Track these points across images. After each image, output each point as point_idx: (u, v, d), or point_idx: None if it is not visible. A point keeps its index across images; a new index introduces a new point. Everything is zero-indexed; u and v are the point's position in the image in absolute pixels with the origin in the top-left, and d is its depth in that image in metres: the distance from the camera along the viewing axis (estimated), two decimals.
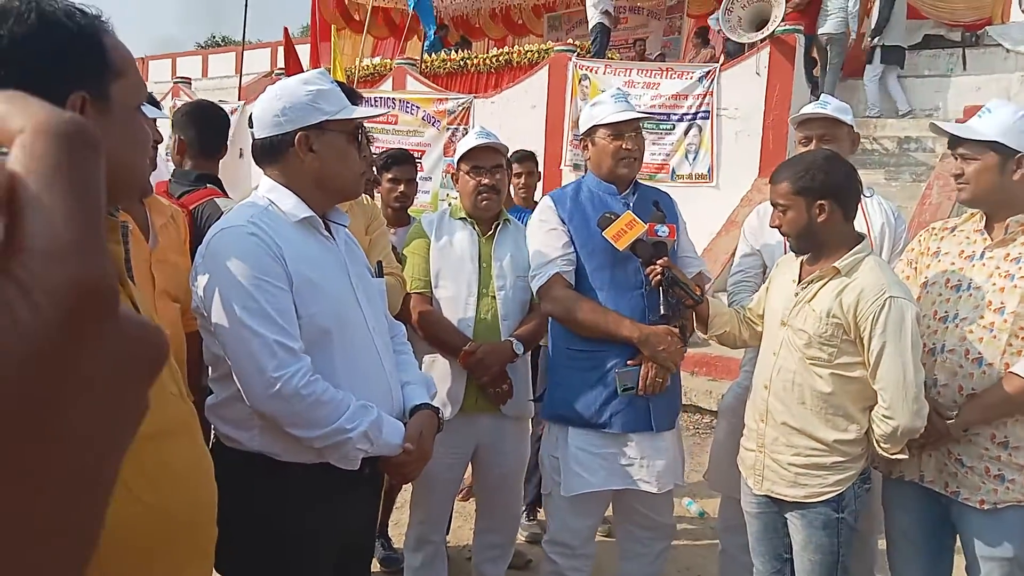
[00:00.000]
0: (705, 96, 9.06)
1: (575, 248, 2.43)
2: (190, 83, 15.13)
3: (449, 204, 2.85)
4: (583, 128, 2.55)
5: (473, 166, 2.66)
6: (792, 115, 2.68)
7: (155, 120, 2.38)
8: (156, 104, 2.50)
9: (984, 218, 2.19)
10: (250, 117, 1.81)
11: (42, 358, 0.26)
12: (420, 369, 2.18)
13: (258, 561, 1.68)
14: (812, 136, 2.57)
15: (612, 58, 10.80)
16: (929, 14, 9.62)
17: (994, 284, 2.08)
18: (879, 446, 2.07)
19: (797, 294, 2.17)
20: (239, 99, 12.56)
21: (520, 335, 2.61)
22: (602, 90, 6.64)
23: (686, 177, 9.18)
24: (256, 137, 1.75)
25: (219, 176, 2.83)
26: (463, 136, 2.83)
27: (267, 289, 1.58)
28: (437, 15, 13.39)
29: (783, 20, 8.69)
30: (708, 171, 9.13)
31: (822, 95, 2.79)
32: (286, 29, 13.06)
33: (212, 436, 1.81)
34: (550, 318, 2.54)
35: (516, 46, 12.88)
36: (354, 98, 1.85)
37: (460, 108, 10.49)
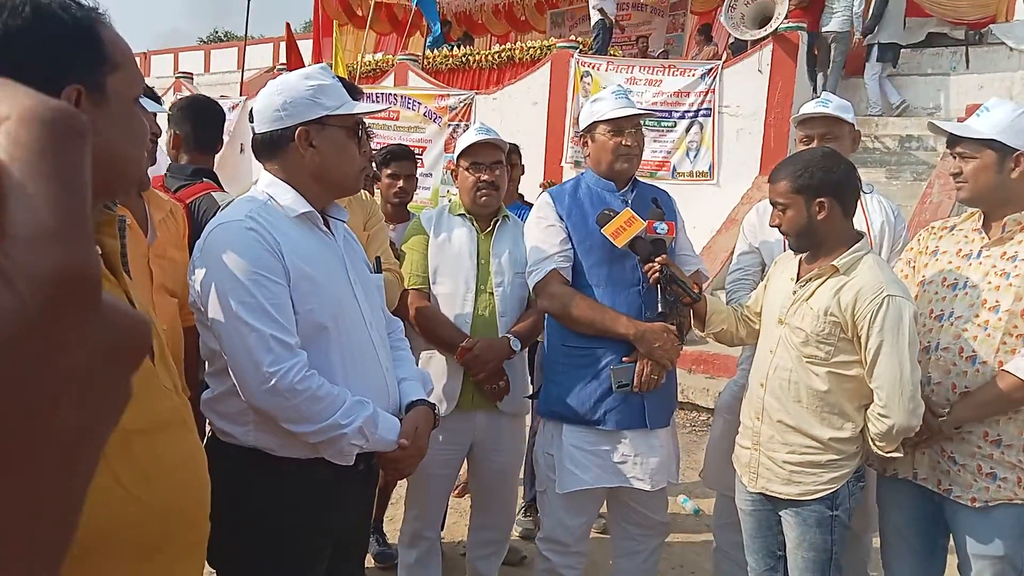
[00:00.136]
0: (707, 93, 9.05)
1: (572, 244, 2.43)
2: (192, 78, 15.14)
3: (449, 200, 2.85)
4: (583, 124, 2.55)
5: (472, 162, 2.66)
6: (794, 113, 2.68)
7: (155, 115, 2.38)
8: (156, 99, 2.50)
9: (982, 217, 2.19)
10: (250, 112, 1.81)
11: (23, 345, 0.27)
12: (417, 365, 2.19)
13: (252, 556, 1.68)
14: (814, 135, 2.57)
15: (614, 55, 10.79)
16: (933, 12, 9.61)
17: (990, 283, 2.08)
18: (874, 444, 2.07)
19: (795, 292, 2.17)
20: (241, 94, 12.57)
21: (517, 332, 2.61)
22: (604, 87, 6.64)
23: (687, 175, 9.17)
24: (256, 132, 1.75)
25: (216, 171, 2.84)
26: (464, 132, 2.83)
27: (264, 284, 1.58)
28: (440, 11, 13.38)
29: (786, 17, 8.67)
30: (709, 169, 9.13)
31: (823, 93, 2.79)
32: (288, 24, 13.06)
33: (208, 431, 1.81)
34: (547, 315, 2.54)
35: (519, 42, 12.86)
36: (354, 94, 1.85)
37: (462, 104, 10.49)
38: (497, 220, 2.71)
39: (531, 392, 2.77)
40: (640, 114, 2.48)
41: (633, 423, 2.38)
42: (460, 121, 10.24)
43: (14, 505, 0.28)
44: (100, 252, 1.07)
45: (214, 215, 2.43)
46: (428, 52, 12.76)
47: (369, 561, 3.26)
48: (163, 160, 2.86)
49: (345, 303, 1.74)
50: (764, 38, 8.87)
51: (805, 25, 8.83)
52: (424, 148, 10.37)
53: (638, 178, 2.58)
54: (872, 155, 8.85)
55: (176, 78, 14.65)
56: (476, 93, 10.77)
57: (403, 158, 3.28)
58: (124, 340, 0.31)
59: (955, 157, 2.17)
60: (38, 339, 0.27)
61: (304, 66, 1.98)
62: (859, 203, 2.28)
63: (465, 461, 2.81)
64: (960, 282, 2.15)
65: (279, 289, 1.60)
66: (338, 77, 1.83)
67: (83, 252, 0.28)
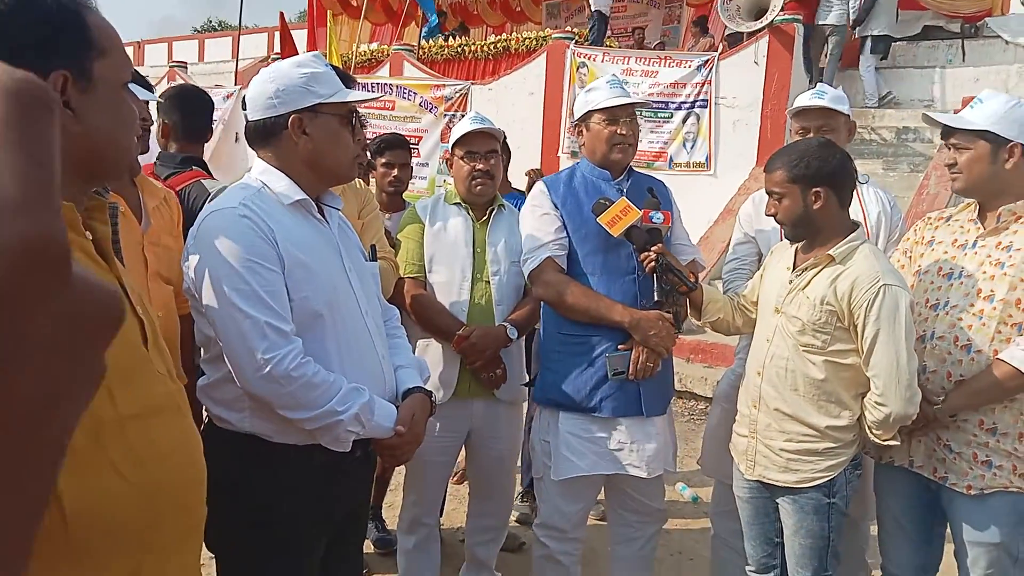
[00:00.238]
0: (703, 85, 9.04)
1: (567, 233, 2.43)
2: (186, 67, 15.05)
3: (445, 190, 2.84)
4: (578, 113, 2.54)
5: (467, 151, 2.65)
6: (790, 104, 2.67)
7: (147, 102, 2.37)
8: (149, 87, 2.49)
9: (978, 207, 2.19)
10: (243, 99, 1.80)
11: None
12: (414, 354, 2.18)
13: (250, 542, 1.68)
14: (809, 127, 2.56)
15: (610, 46, 10.76)
16: (929, 5, 9.60)
17: (985, 272, 2.09)
18: (871, 432, 2.08)
19: (791, 281, 2.17)
20: (235, 84, 12.50)
21: (514, 320, 2.61)
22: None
23: (684, 166, 9.17)
24: (249, 119, 1.74)
25: (211, 160, 2.84)
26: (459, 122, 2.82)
27: (258, 271, 1.57)
28: (436, 1, 13.33)
29: (782, 9, 8.66)
30: (706, 160, 9.13)
31: (819, 84, 2.78)
32: (281, 14, 13.02)
33: (205, 417, 1.80)
34: (542, 303, 2.54)
35: (514, 33, 12.81)
36: (348, 81, 1.84)
37: (457, 95, 10.46)
38: (493, 209, 2.71)
39: (527, 380, 2.77)
40: (635, 103, 2.48)
41: (629, 410, 2.38)
42: (456, 111, 10.21)
43: None
44: (92, 238, 1.06)
45: (204, 202, 2.44)
46: (424, 42, 12.71)
47: (369, 547, 3.28)
48: (155, 148, 2.86)
49: (340, 290, 1.73)
50: (760, 30, 8.86)
51: (801, 17, 8.83)
52: (420, 138, 10.34)
53: (634, 168, 2.58)
54: (869, 147, 8.86)
55: (170, 67, 14.58)
56: (472, 83, 10.73)
57: (397, 147, 3.27)
58: (94, 312, 0.30)
59: (949, 148, 2.17)
60: (2, 309, 0.26)
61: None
62: (855, 193, 2.28)
63: (463, 448, 2.81)
64: (956, 272, 2.15)
65: (273, 276, 1.59)
66: (331, 65, 1.82)
67: (49, 223, 0.27)
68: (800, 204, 2.11)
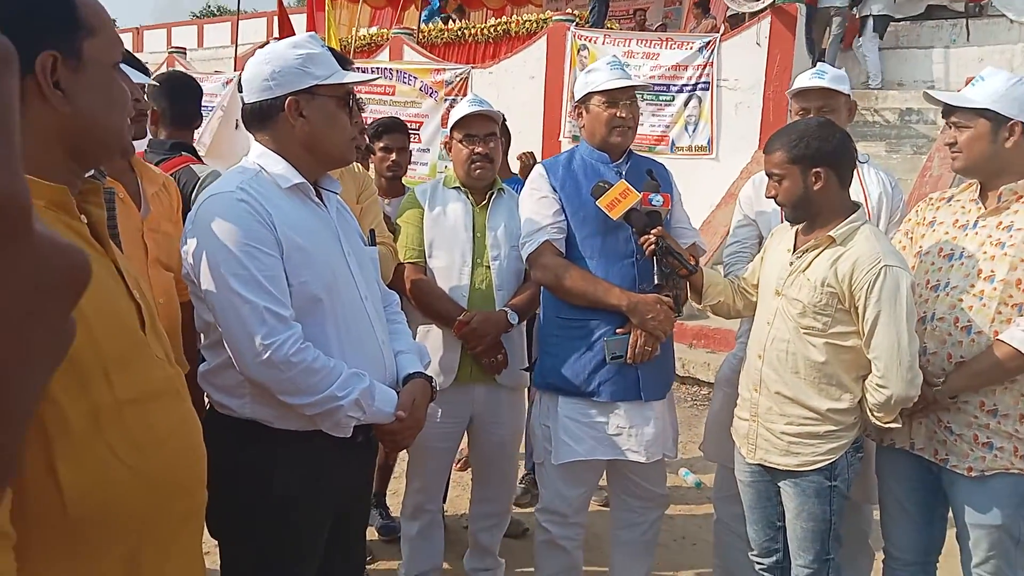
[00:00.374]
0: (705, 67, 8.98)
1: (566, 216, 2.42)
2: (185, 53, 14.99)
3: (444, 175, 2.83)
4: (578, 95, 2.52)
5: (466, 134, 2.63)
6: (792, 86, 2.65)
7: (143, 86, 2.36)
8: (145, 71, 2.48)
9: (979, 187, 2.18)
10: (238, 80, 1.79)
11: None
12: (414, 339, 2.18)
13: (253, 528, 1.68)
14: (810, 108, 2.54)
15: (611, 28, 10.68)
16: None
17: (985, 252, 2.07)
18: (872, 415, 2.07)
19: (792, 263, 2.16)
20: (235, 69, 12.45)
21: (515, 305, 2.61)
22: None
23: (686, 149, 9.13)
24: (245, 102, 1.72)
25: (211, 147, 2.84)
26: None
27: (257, 256, 1.57)
28: None
29: None
30: (708, 143, 9.09)
31: (819, 64, 2.75)
32: None
33: (207, 404, 1.81)
34: (541, 287, 2.53)
35: (515, 16, 12.72)
36: (344, 63, 1.82)
37: (458, 79, 10.41)
38: (492, 193, 2.69)
39: (527, 364, 2.77)
40: (635, 86, 2.45)
41: (627, 395, 2.38)
42: (456, 96, 10.15)
43: None
44: (87, 221, 1.06)
45: (194, 187, 2.43)
46: (424, 26, 12.63)
47: (373, 534, 3.30)
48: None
49: (339, 275, 1.72)
50: (762, 10, 8.79)
51: None
52: (421, 123, 10.30)
53: (633, 151, 2.56)
54: (872, 128, 8.81)
55: (169, 53, 14.51)
56: (472, 67, 10.67)
57: (395, 130, 3.25)
58: (59, 272, 0.30)
59: (950, 127, 2.15)
60: None
61: None
62: (856, 174, 2.27)
63: (465, 435, 2.82)
64: (956, 252, 2.14)
65: (272, 261, 1.59)
66: (327, 47, 1.80)
67: (8, 181, 0.27)
68: (800, 185, 2.09)
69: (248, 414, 1.66)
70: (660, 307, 2.30)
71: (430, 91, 10.46)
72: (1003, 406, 2.04)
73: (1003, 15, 9.40)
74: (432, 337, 2.62)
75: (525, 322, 2.74)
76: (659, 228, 2.27)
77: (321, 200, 1.78)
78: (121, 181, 2.05)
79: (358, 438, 1.71)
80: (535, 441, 2.59)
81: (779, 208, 2.28)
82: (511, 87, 10.07)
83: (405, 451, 2.80)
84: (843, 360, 2.08)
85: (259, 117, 1.71)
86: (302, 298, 1.63)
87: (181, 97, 2.78)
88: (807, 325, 2.09)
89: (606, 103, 2.42)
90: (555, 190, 2.44)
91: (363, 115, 3.14)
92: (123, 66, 1.13)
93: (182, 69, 13.29)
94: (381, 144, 3.22)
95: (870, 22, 9.06)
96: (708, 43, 9.02)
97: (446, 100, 10.26)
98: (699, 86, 9.03)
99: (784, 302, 2.15)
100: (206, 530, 1.46)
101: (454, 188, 2.70)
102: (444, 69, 10.61)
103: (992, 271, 2.04)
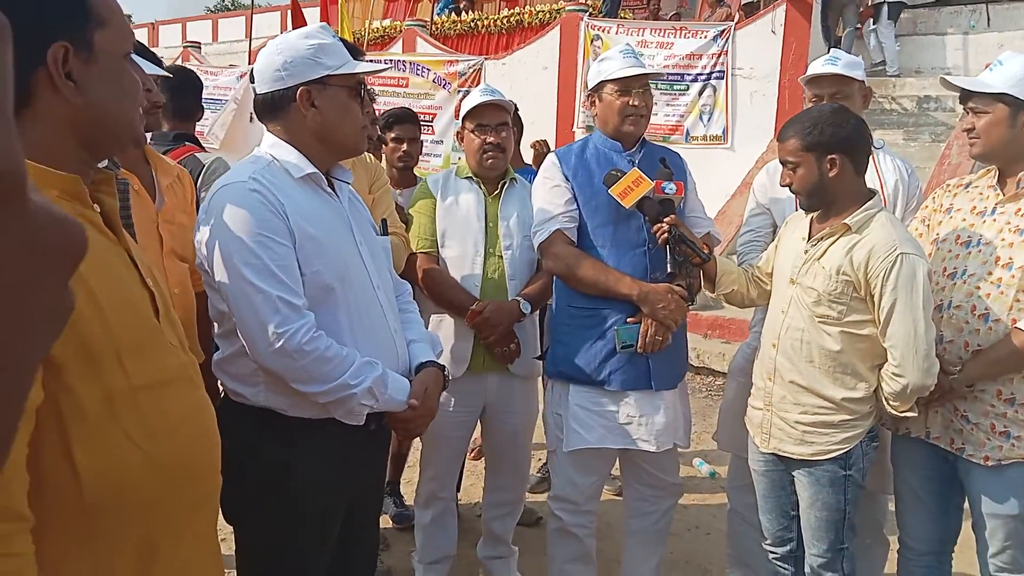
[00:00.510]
0: (720, 56, 8.92)
1: (578, 205, 2.41)
2: (200, 48, 15.05)
3: (457, 165, 2.83)
4: (591, 84, 2.51)
5: (478, 124, 2.63)
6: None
7: (157, 78, 2.37)
8: (158, 62, 2.50)
9: (997, 173, 2.15)
10: (251, 72, 1.79)
11: None
12: (427, 328, 2.19)
13: (267, 514, 1.70)
14: (823, 95, 2.51)
15: (625, 17, 10.63)
16: None
17: (1003, 239, 2.05)
18: (888, 404, 2.06)
19: (807, 251, 2.15)
20: (249, 63, 12.48)
21: (527, 294, 2.61)
22: None
23: (700, 139, 9.08)
24: (257, 92, 1.73)
25: (226, 141, 2.86)
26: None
27: (269, 245, 1.58)
28: None
29: None
30: (723, 132, 9.03)
31: (832, 50, 2.72)
32: None
33: (221, 392, 1.82)
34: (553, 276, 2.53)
35: (527, 6, 12.67)
36: (355, 54, 1.82)
37: (471, 70, 10.39)
38: (504, 183, 2.69)
39: (539, 353, 2.77)
40: (648, 74, 2.44)
41: (638, 384, 2.37)
42: (469, 87, 10.14)
43: None
44: (99, 210, 1.07)
45: (199, 175, 2.46)
46: (437, 18, 12.61)
47: (387, 522, 3.32)
48: None
49: (351, 264, 1.73)
50: None
51: None
52: (434, 115, 10.30)
53: (647, 139, 2.54)
54: (890, 116, 8.72)
55: (184, 47, 14.59)
56: (485, 59, 10.66)
57: (406, 121, 3.25)
58: (54, 243, 0.30)
59: (967, 113, 2.12)
60: None
61: None
62: (871, 161, 2.24)
63: (479, 424, 2.83)
64: (974, 239, 2.11)
65: (284, 250, 1.60)
66: (339, 37, 1.80)
67: (2, 147, 0.27)
68: (815, 172, 2.07)
69: (262, 402, 1.67)
70: (671, 296, 2.29)
71: (443, 83, 10.46)
72: (1020, 395, 2.02)
73: (1022, 0, 9.25)
74: (445, 326, 2.63)
75: (537, 311, 2.74)
76: (672, 216, 2.26)
77: (333, 190, 1.79)
78: (136, 173, 2.06)
79: (371, 426, 1.72)
80: (547, 429, 2.60)
81: (793, 196, 2.26)
82: (524, 78, 10.05)
83: (419, 440, 2.81)
84: (858, 349, 2.06)
85: (271, 107, 1.72)
86: (314, 287, 1.64)
87: (182, 91, 2.82)
88: (822, 314, 2.07)
89: (619, 91, 2.40)
90: (567, 179, 2.43)
91: (376, 107, 3.16)
92: (136, 57, 1.14)
93: (196, 63, 13.36)
94: (392, 135, 3.22)
95: (885, 9, 8.95)
96: (723, 32, 8.95)
97: (459, 92, 10.25)
98: (714, 75, 8.97)
99: (799, 291, 2.14)
100: (221, 516, 1.47)
101: (466, 178, 2.70)
102: (457, 61, 10.60)
103: (1010, 258, 2.02)
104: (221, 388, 1.80)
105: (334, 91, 1.70)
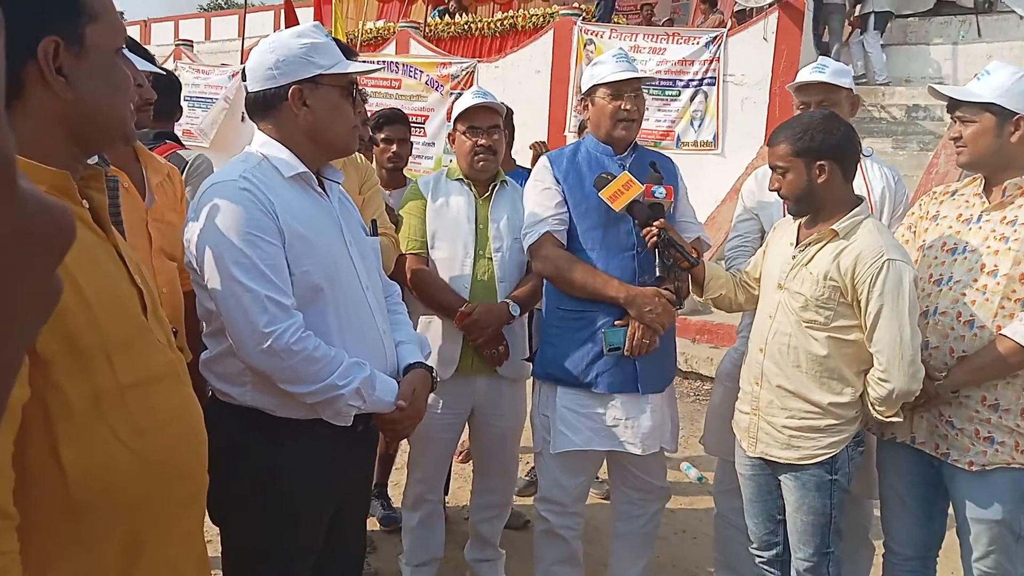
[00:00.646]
0: (712, 62, 8.96)
1: (568, 208, 2.42)
2: (192, 46, 14.99)
3: (447, 167, 2.83)
4: (584, 88, 2.52)
5: (469, 126, 2.63)
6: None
7: (150, 75, 2.37)
8: (151, 58, 2.49)
9: (983, 182, 2.17)
10: (243, 71, 1.79)
11: None
12: (416, 330, 2.18)
13: (254, 515, 1.69)
14: (810, 102, 2.53)
15: (618, 22, 10.66)
16: None
17: (989, 247, 2.07)
18: (874, 409, 2.07)
19: (795, 257, 2.16)
20: (241, 62, 12.45)
21: (517, 297, 2.61)
22: None
23: (691, 144, 9.12)
24: (249, 91, 1.73)
25: (216, 140, 2.86)
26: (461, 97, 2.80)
27: (258, 245, 1.57)
28: None
29: None
30: (713, 139, 9.07)
31: (820, 58, 2.74)
32: None
33: (209, 393, 1.81)
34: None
35: (521, 10, 12.70)
36: (348, 54, 1.82)
37: (464, 72, 10.40)
38: (495, 185, 2.70)
39: (527, 355, 2.77)
40: (639, 78, 2.45)
41: (625, 387, 2.38)
42: (462, 89, 10.15)
43: None
44: (88, 206, 1.06)
45: (183, 171, 2.46)
46: (431, 20, 12.61)
47: (374, 524, 3.31)
48: None
49: (340, 265, 1.73)
50: (770, 5, 8.76)
51: None
52: (426, 117, 10.31)
53: (639, 143, 2.55)
54: (879, 125, 8.78)
55: (176, 46, 14.53)
56: (478, 61, 10.67)
57: (396, 122, 3.25)
58: (42, 228, 0.30)
59: (955, 121, 2.14)
60: None
61: None
62: (860, 169, 2.26)
63: (467, 426, 2.82)
64: (960, 246, 2.13)
65: (274, 250, 1.59)
66: (332, 37, 1.80)
67: None
68: (804, 178, 2.08)
69: (249, 402, 1.67)
70: (658, 300, 2.30)
71: (436, 85, 10.46)
72: (1005, 401, 2.04)
73: (1012, 11, 9.33)
74: (433, 328, 2.63)
75: (527, 314, 2.74)
76: (661, 220, 2.27)
77: (323, 189, 1.79)
78: (126, 170, 2.06)
79: (358, 427, 1.72)
80: (535, 431, 2.60)
81: (781, 201, 2.27)
82: (517, 81, 10.07)
83: (406, 442, 2.81)
84: (845, 354, 2.08)
85: (263, 106, 1.71)
86: (303, 287, 1.64)
87: (166, 93, 2.84)
88: (809, 319, 2.09)
89: (611, 95, 2.41)
90: (558, 182, 2.44)
91: (368, 108, 3.15)
92: (127, 53, 1.14)
93: (188, 61, 13.31)
94: (382, 135, 3.22)
95: (871, 18, 9.04)
96: (715, 38, 9.00)
97: (452, 94, 10.26)
98: (705, 81, 9.01)
99: (786, 296, 2.15)
100: (207, 517, 1.47)
101: (457, 180, 2.70)
102: (450, 63, 10.61)
103: (995, 265, 2.04)
104: (208, 389, 1.80)
105: (326, 91, 1.70)
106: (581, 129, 3.78)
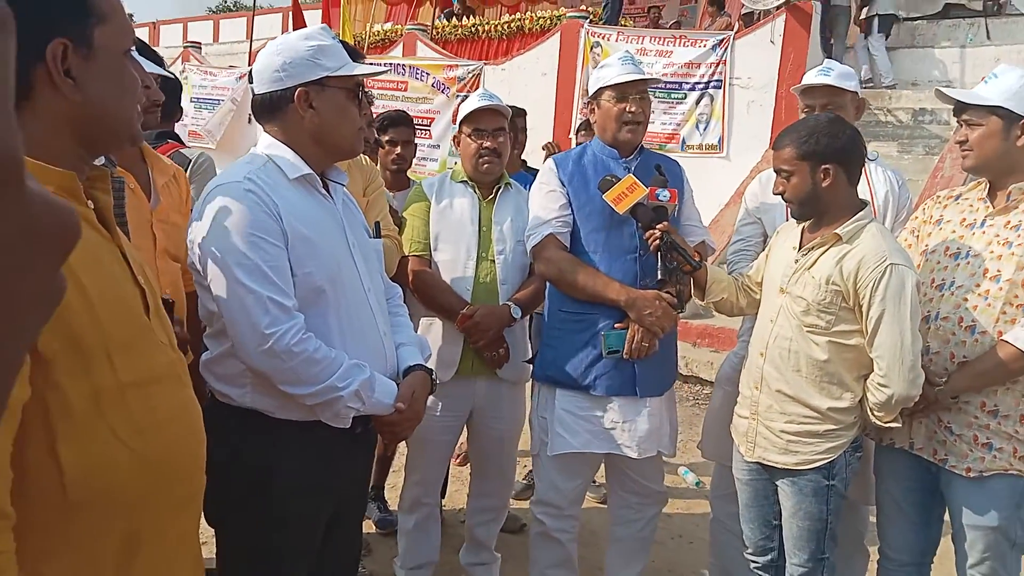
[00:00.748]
0: (718, 65, 8.95)
1: (572, 210, 2.43)
2: (200, 48, 15.05)
3: (452, 169, 2.84)
4: (591, 91, 2.53)
5: (475, 128, 2.64)
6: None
7: (158, 77, 2.38)
8: (160, 62, 2.50)
9: (988, 186, 2.16)
10: (250, 73, 1.80)
11: None
12: (417, 332, 2.19)
13: (249, 517, 1.69)
14: (815, 105, 2.53)
15: (625, 25, 10.67)
16: None
17: (992, 252, 2.06)
18: (873, 414, 2.06)
19: (797, 261, 2.16)
20: (249, 64, 12.50)
21: (519, 299, 2.61)
22: None
23: (696, 148, 9.11)
24: (256, 93, 1.74)
25: (222, 142, 2.88)
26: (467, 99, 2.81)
27: (262, 246, 1.58)
28: None
29: None
30: (719, 142, 9.06)
31: (826, 61, 2.74)
32: None
33: (209, 394, 1.82)
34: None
35: (528, 12, 12.71)
36: (355, 56, 1.83)
37: (470, 75, 10.42)
38: (499, 187, 2.70)
39: (528, 357, 2.78)
40: (645, 80, 2.45)
41: (623, 390, 2.38)
42: (469, 92, 10.16)
43: None
44: (93, 207, 1.07)
45: (186, 169, 2.47)
46: (438, 23, 12.64)
47: (370, 527, 3.31)
48: None
49: (343, 267, 1.73)
50: (777, 8, 8.75)
51: None
52: (432, 119, 10.32)
53: (645, 147, 2.56)
54: (885, 128, 8.76)
55: (184, 48, 14.59)
56: (485, 64, 10.68)
57: (401, 124, 3.26)
58: (48, 227, 0.31)
59: (961, 125, 2.14)
60: None
61: None
62: (864, 173, 2.25)
63: (465, 429, 2.83)
64: (963, 251, 2.13)
65: (277, 251, 1.60)
66: (339, 39, 1.81)
67: (2, 134, 0.28)
68: (809, 182, 2.07)
69: (248, 403, 1.67)
70: (659, 303, 2.30)
71: (442, 87, 10.48)
72: (1004, 407, 2.03)
73: (1021, 14, 9.30)
74: (434, 330, 2.63)
75: (528, 317, 2.74)
76: (664, 223, 2.27)
77: (328, 191, 1.80)
78: (132, 172, 2.07)
79: (357, 429, 1.72)
80: (532, 432, 2.60)
81: (784, 205, 2.27)
82: (524, 84, 10.07)
83: (404, 444, 2.81)
84: (845, 359, 2.07)
85: (269, 108, 1.72)
86: (305, 288, 1.65)
87: (169, 96, 2.85)
88: (811, 323, 2.08)
89: (616, 97, 2.42)
90: (563, 184, 2.45)
91: (375, 110, 3.17)
92: (135, 55, 1.15)
93: (196, 63, 13.37)
94: (386, 137, 3.23)
95: (875, 21, 9.03)
96: (722, 41, 8.99)
97: (458, 96, 10.27)
98: (711, 84, 9.00)
99: (788, 300, 2.15)
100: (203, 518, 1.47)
101: (461, 182, 2.71)
102: (457, 65, 10.63)
103: (998, 271, 2.03)
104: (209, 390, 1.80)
105: (332, 93, 1.71)
106: (578, 131, 3.81)
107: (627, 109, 2.41)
